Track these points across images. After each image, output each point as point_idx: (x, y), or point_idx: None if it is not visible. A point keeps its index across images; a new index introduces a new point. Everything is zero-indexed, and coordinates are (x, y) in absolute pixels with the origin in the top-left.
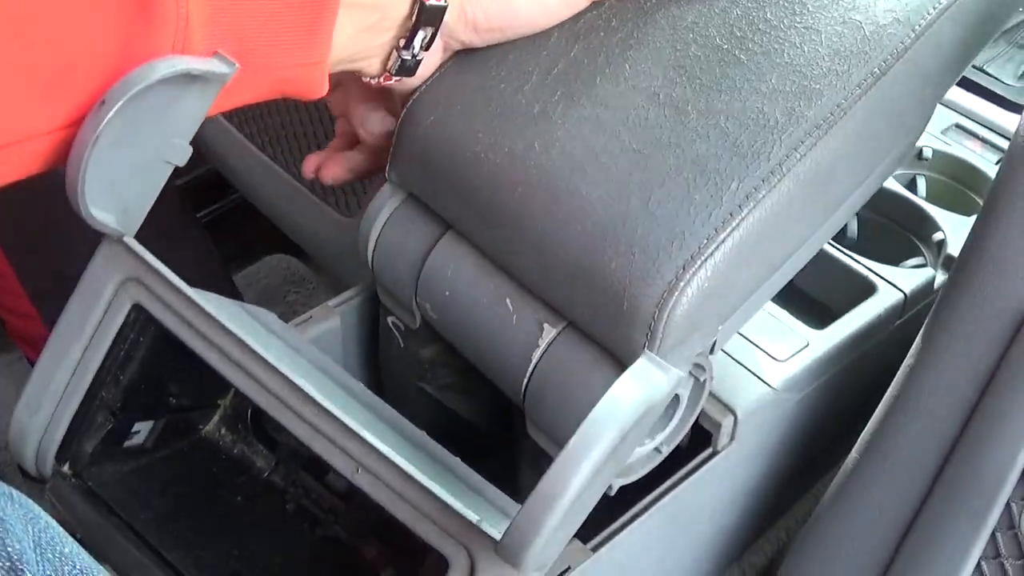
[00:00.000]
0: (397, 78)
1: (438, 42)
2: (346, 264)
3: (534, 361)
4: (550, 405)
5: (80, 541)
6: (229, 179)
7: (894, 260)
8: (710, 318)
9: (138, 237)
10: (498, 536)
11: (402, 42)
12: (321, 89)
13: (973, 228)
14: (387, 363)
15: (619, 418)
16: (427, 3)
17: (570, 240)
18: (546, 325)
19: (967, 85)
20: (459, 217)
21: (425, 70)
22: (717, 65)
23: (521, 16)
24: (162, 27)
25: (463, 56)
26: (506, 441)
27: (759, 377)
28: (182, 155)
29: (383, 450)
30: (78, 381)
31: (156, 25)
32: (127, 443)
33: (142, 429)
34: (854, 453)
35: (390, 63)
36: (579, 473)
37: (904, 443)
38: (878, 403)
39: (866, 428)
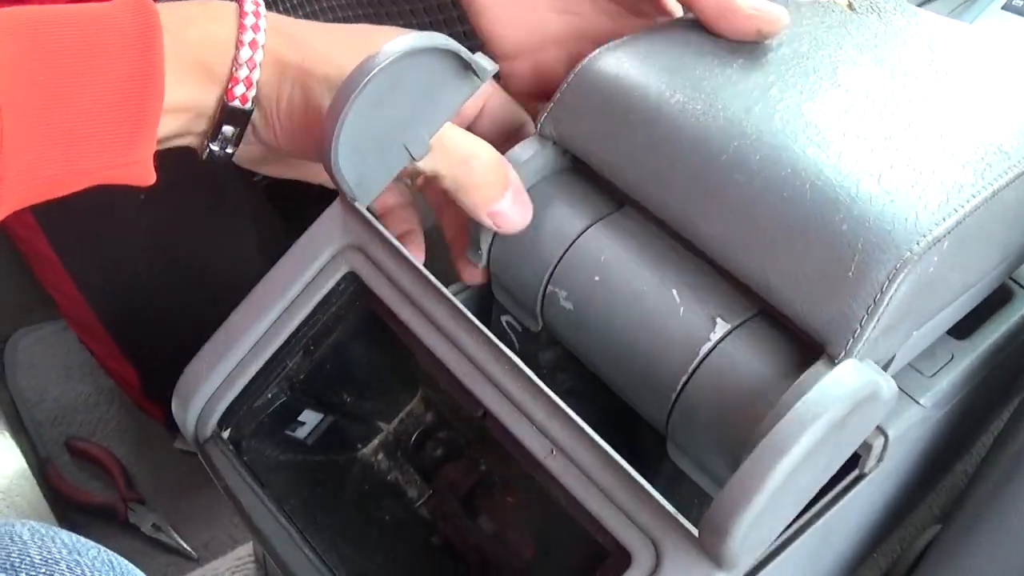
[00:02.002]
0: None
1: (252, 139)
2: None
3: (699, 357)
4: (705, 418)
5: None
6: None
7: None
8: (917, 313)
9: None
10: (694, 530)
11: (211, 134)
12: (149, 179)
13: None
14: None
15: (837, 403)
16: (230, 104)
17: (793, 199)
18: (719, 320)
19: None
20: (641, 174)
21: (247, 154)
22: (923, 97)
23: (309, 145)
24: None
25: (652, 32)
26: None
27: (909, 395)
28: (421, 149)
29: (586, 429)
30: (268, 341)
31: None
32: (289, 432)
33: (308, 421)
34: (994, 469)
35: (204, 152)
36: (792, 453)
37: None
38: (1002, 408)
39: (1011, 444)
